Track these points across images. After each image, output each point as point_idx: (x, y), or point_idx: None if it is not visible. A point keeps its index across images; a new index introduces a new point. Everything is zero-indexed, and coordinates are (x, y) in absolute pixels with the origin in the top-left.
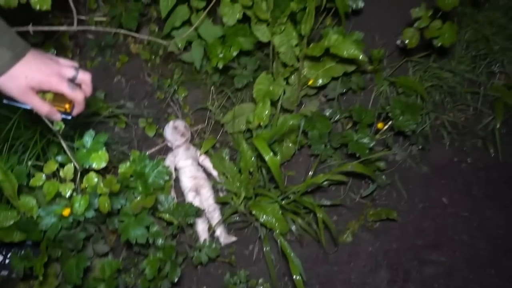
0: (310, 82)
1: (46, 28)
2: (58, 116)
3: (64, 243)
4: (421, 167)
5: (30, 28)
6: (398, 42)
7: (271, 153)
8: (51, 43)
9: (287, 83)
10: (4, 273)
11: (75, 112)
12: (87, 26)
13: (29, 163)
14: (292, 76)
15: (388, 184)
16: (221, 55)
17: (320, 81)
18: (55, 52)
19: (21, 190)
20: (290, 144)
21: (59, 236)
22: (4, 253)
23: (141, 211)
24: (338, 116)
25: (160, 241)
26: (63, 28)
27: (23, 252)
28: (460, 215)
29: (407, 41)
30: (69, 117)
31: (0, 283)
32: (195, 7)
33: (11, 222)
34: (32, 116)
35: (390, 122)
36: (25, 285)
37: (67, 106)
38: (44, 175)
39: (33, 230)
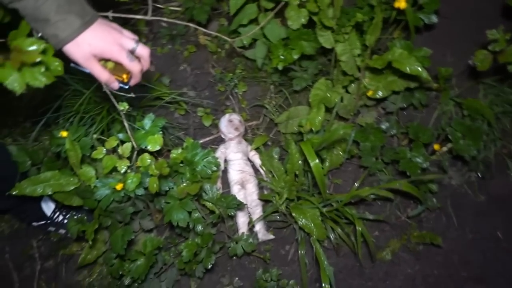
0: (369, 93)
1: (123, 15)
2: (115, 85)
3: (114, 214)
4: (478, 196)
5: (110, 14)
6: (470, 62)
7: (317, 160)
8: (128, 27)
9: (346, 91)
10: (62, 231)
11: (132, 83)
12: (161, 14)
13: (94, 136)
14: (352, 85)
15: (438, 208)
16: (282, 57)
17: (380, 93)
18: None
19: (84, 160)
20: (340, 153)
21: (110, 207)
22: (64, 214)
23: (185, 197)
24: (394, 131)
25: (199, 228)
26: (138, 16)
27: (79, 216)
28: None
29: (478, 64)
30: (126, 87)
31: (58, 240)
32: (264, 7)
33: (72, 188)
34: (102, 93)
35: (449, 145)
36: (77, 246)
37: (124, 76)
38: (105, 149)
39: (89, 198)
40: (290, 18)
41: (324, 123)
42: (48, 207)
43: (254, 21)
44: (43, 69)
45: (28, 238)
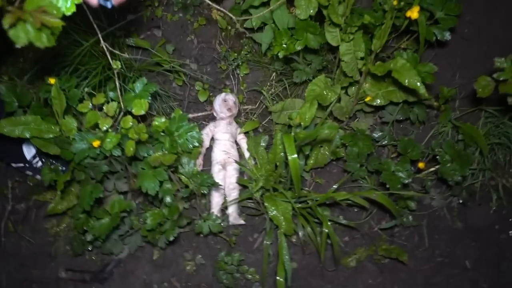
0: (367, 99)
1: None
2: (94, 0)
3: (88, 170)
4: (456, 222)
5: None
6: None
7: (295, 155)
8: None
9: (346, 93)
10: (39, 177)
11: (115, 0)
12: None
13: (86, 89)
14: (352, 88)
15: (413, 226)
16: (284, 45)
17: (378, 101)
18: None
19: (70, 111)
20: (327, 152)
21: (85, 163)
22: (43, 160)
23: (159, 166)
24: (385, 142)
25: (168, 199)
26: None
27: (54, 165)
28: (478, 285)
29: (479, 90)
30: (108, 5)
31: (34, 184)
32: None
33: (51, 136)
34: (101, 48)
35: (437, 166)
36: (51, 194)
37: None
38: (91, 104)
39: (66, 149)
40: (298, 7)
41: (317, 120)
42: (29, 151)
43: (267, 4)
44: (48, 32)
45: (5, 178)
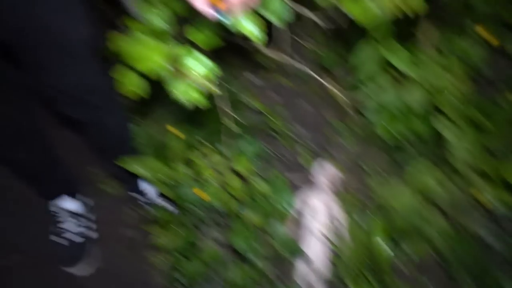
0: (478, 196)
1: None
2: (211, 13)
3: (189, 215)
4: None
5: None
6: None
7: (382, 240)
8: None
9: (454, 185)
10: (150, 210)
11: (231, 13)
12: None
13: (199, 139)
14: (461, 181)
15: None
16: (389, 128)
17: (491, 201)
18: None
19: (185, 158)
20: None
21: (188, 207)
22: (155, 195)
23: (250, 224)
24: (497, 246)
25: (252, 257)
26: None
27: (163, 203)
28: None
29: None
30: (226, 20)
31: (145, 215)
32: (386, 69)
33: (164, 178)
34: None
35: None
36: (156, 229)
37: (220, 4)
38: (200, 154)
39: (175, 192)
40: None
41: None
42: (142, 183)
43: (375, 80)
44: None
45: (122, 204)
